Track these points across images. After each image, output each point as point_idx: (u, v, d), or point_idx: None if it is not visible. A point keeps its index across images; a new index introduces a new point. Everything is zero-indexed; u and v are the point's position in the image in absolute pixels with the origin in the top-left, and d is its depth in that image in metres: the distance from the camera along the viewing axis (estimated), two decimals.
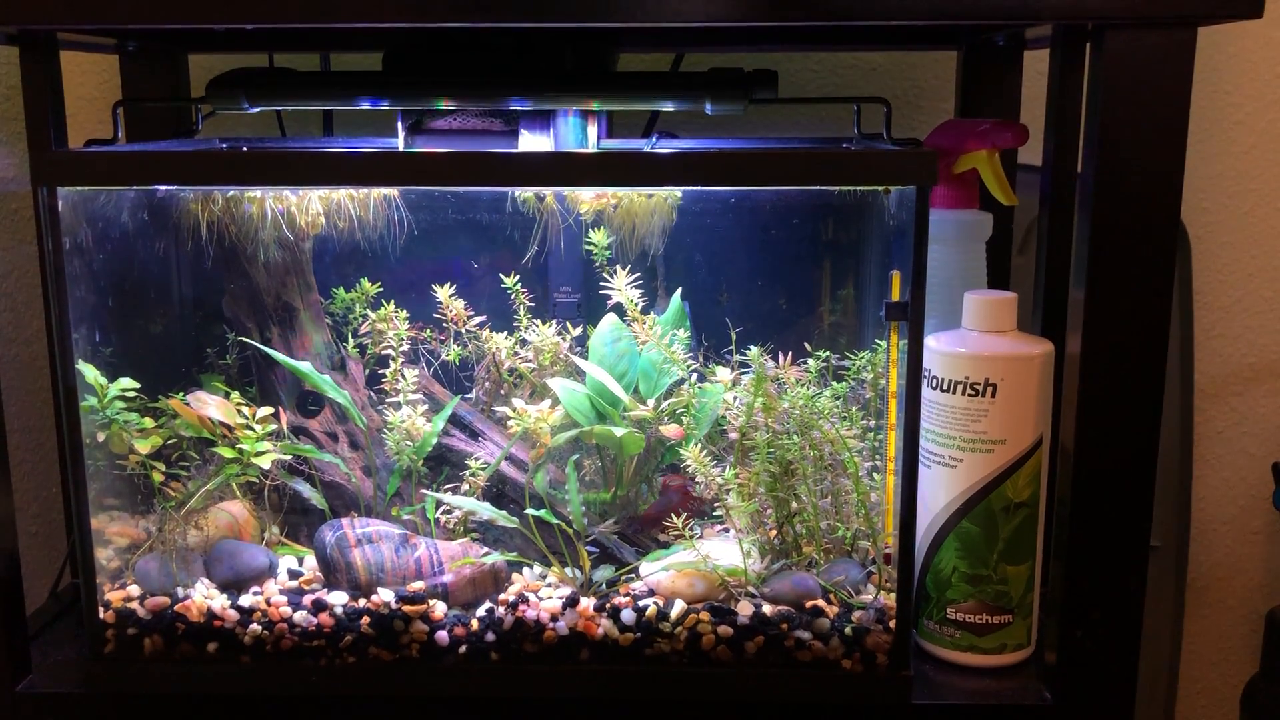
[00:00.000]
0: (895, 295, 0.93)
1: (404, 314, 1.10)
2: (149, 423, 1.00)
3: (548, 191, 1.04)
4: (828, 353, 1.04)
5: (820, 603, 0.98)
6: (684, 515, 0.98)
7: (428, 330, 1.13)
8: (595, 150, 1.01)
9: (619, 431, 0.99)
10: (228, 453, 1.00)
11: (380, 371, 1.10)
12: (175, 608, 0.98)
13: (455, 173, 0.90)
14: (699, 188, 1.01)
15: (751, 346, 0.98)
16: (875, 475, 1.01)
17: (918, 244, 0.88)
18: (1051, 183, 1.11)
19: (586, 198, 1.04)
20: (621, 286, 1.04)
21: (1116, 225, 0.87)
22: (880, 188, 0.91)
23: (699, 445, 0.99)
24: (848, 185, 0.91)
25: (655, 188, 1.00)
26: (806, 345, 1.03)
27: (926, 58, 1.40)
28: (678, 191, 1.03)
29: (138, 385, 0.98)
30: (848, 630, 0.96)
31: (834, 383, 1.02)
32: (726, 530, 1.07)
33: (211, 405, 0.99)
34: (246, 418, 1.01)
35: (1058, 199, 1.11)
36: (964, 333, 1.00)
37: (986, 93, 1.25)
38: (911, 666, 0.97)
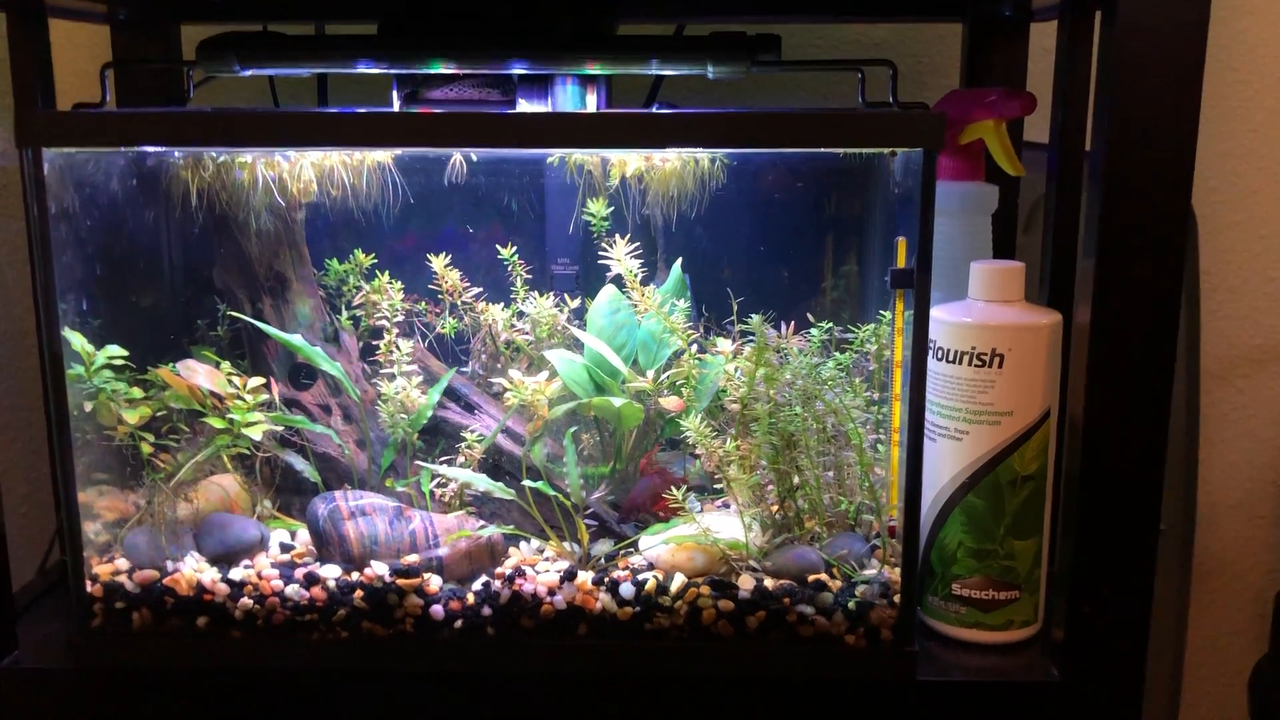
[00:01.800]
0: (900, 262, 0.91)
1: (399, 285, 1.08)
2: (138, 393, 0.98)
3: (587, 154, 1.01)
4: (830, 324, 1.02)
5: (823, 577, 0.96)
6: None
7: (423, 303, 1.11)
8: (595, 111, 0.99)
9: (617, 402, 0.97)
10: (218, 423, 0.98)
11: (374, 343, 1.07)
12: (164, 581, 0.96)
13: (452, 134, 0.88)
14: (716, 150, 0.99)
15: (753, 315, 0.96)
16: (880, 448, 0.99)
17: (924, 209, 0.86)
18: (1059, 156, 1.09)
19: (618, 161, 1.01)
20: (621, 256, 1.02)
21: (1128, 194, 0.85)
22: (886, 150, 0.89)
23: (699, 416, 0.97)
24: (853, 147, 0.89)
25: (657, 150, 0.98)
26: (810, 317, 1.01)
27: (931, 31, 1.38)
28: (705, 155, 1.01)
29: (125, 353, 0.96)
30: (851, 605, 0.94)
31: (837, 353, 1.00)
32: (727, 505, 1.05)
33: (201, 374, 0.97)
34: (237, 388, 0.99)
35: (1065, 173, 1.09)
36: (970, 303, 0.98)
37: (992, 67, 1.23)
38: (917, 643, 0.95)
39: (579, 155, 1.03)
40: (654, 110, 1.01)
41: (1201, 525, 1.45)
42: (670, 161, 1.02)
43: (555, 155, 1.03)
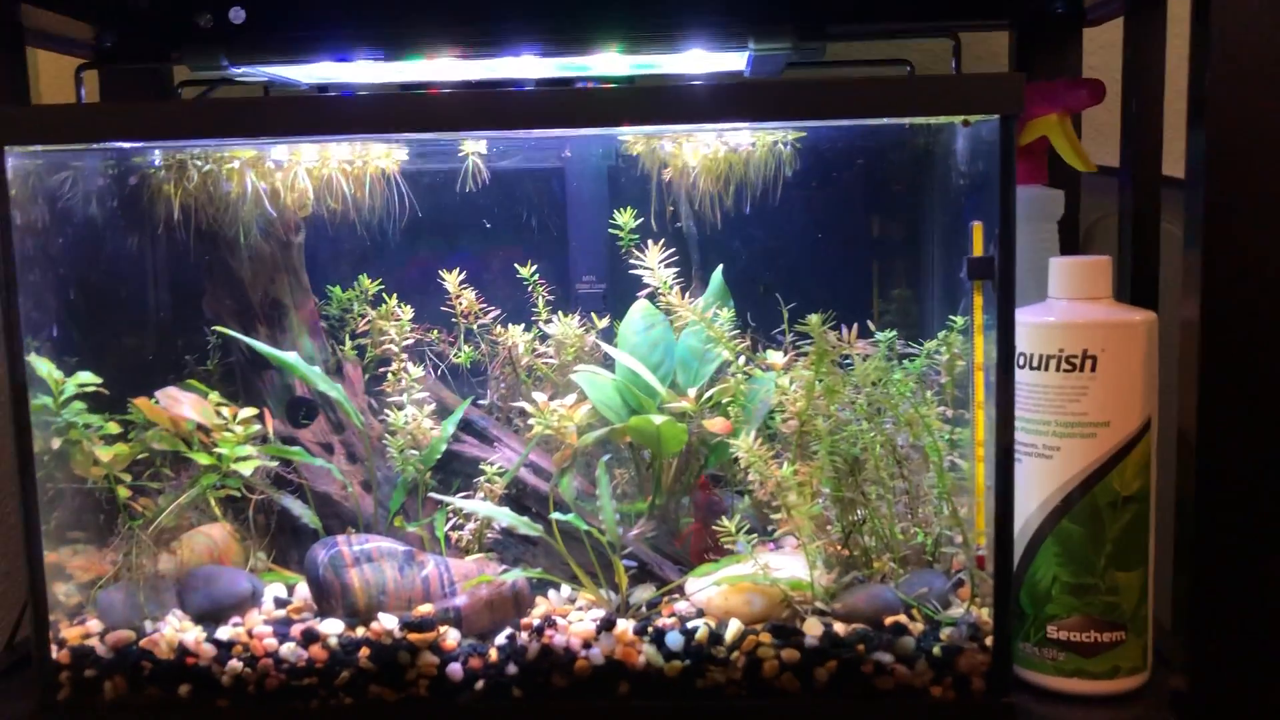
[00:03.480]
0: (978, 250, 0.80)
1: (408, 308, 0.97)
2: (114, 427, 0.86)
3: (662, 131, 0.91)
4: (894, 333, 0.90)
5: (902, 619, 0.83)
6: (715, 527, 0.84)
7: (434, 331, 1.00)
8: (638, 86, 0.89)
9: (658, 420, 0.85)
10: (204, 459, 0.86)
11: (381, 370, 0.96)
12: (141, 643, 0.84)
13: (466, 117, 0.77)
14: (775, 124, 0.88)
15: (810, 316, 0.84)
16: (962, 464, 0.87)
17: (1004, 183, 0.76)
18: (1132, 155, 0.99)
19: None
20: (655, 264, 0.91)
21: (1234, 179, 0.75)
22: (959, 119, 0.79)
23: (750, 434, 0.85)
24: (923, 117, 0.79)
25: (713, 124, 0.87)
26: (870, 325, 0.90)
27: (976, 40, 1.29)
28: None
29: (99, 380, 0.85)
30: (936, 650, 0.81)
31: (905, 362, 0.89)
32: (782, 549, 0.92)
33: (186, 404, 0.86)
34: (226, 419, 0.88)
35: (1140, 177, 0.99)
36: (1052, 302, 0.87)
37: (1044, 74, 1.13)
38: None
39: (634, 139, 0.92)
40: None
41: None
42: (712, 148, 0.91)
43: (628, 133, 0.92)
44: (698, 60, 0.91)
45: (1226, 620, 0.80)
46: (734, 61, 0.94)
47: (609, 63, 0.92)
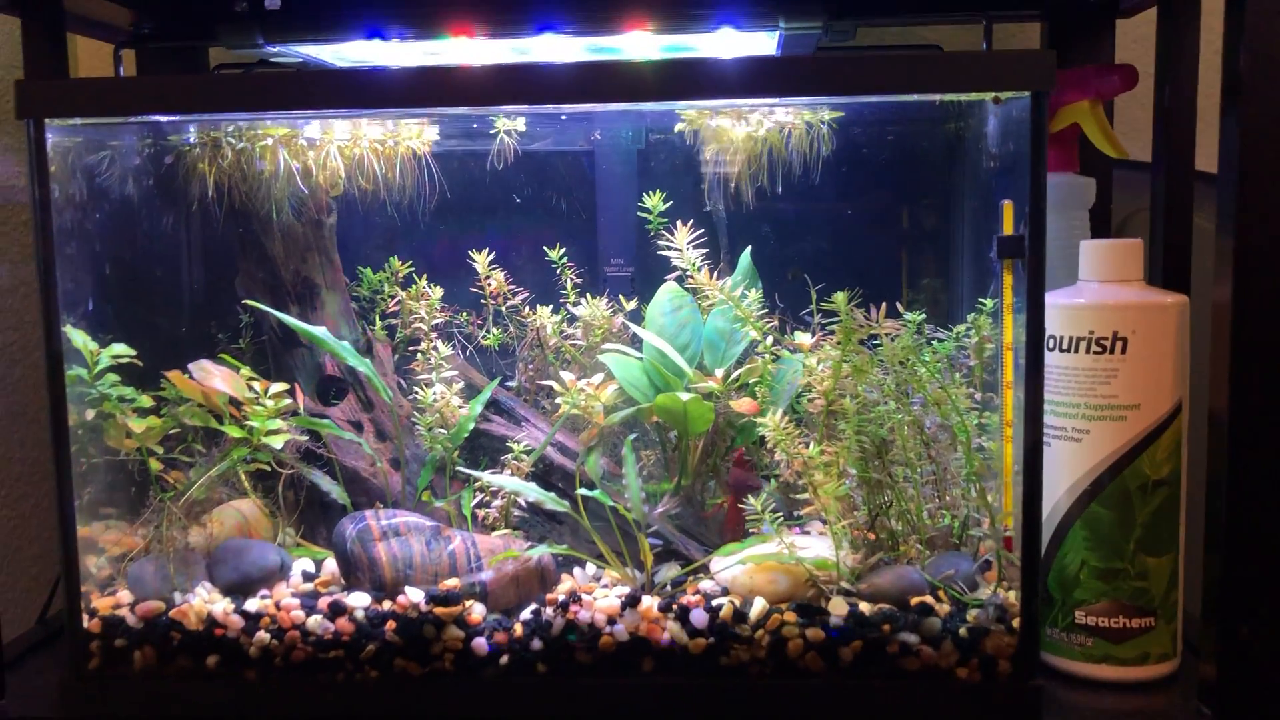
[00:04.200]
0: (1007, 228, 0.80)
1: (438, 289, 0.98)
2: (146, 400, 0.87)
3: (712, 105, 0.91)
4: (922, 314, 0.90)
5: (928, 599, 0.82)
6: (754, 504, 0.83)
7: (464, 314, 1.01)
8: (668, 60, 0.88)
9: (684, 397, 0.85)
10: (235, 432, 0.87)
11: (410, 350, 0.97)
12: (170, 614, 0.85)
13: (497, 91, 0.78)
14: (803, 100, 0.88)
15: (836, 294, 0.84)
16: (991, 445, 0.86)
17: (1034, 161, 0.76)
18: (1165, 145, 0.98)
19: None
20: (684, 245, 0.92)
21: (1268, 165, 0.74)
22: (990, 96, 0.78)
23: (777, 412, 0.84)
24: (955, 93, 0.79)
25: (745, 99, 0.87)
26: (899, 306, 0.90)
27: (1007, 34, 1.29)
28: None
29: (133, 352, 0.86)
30: (962, 631, 0.81)
31: (934, 342, 0.88)
32: (806, 532, 0.92)
33: (217, 376, 0.86)
34: (258, 393, 0.88)
35: (1174, 165, 0.98)
36: (1083, 285, 0.87)
37: (1076, 66, 1.13)
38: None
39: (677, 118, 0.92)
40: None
41: None
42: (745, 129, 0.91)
43: (659, 108, 0.92)
44: (728, 41, 0.91)
45: (1258, 608, 0.78)
46: (765, 44, 0.94)
47: (639, 44, 0.92)
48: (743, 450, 0.90)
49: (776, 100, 0.86)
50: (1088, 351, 0.84)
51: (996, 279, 0.83)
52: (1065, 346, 0.84)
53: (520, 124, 0.93)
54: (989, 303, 0.88)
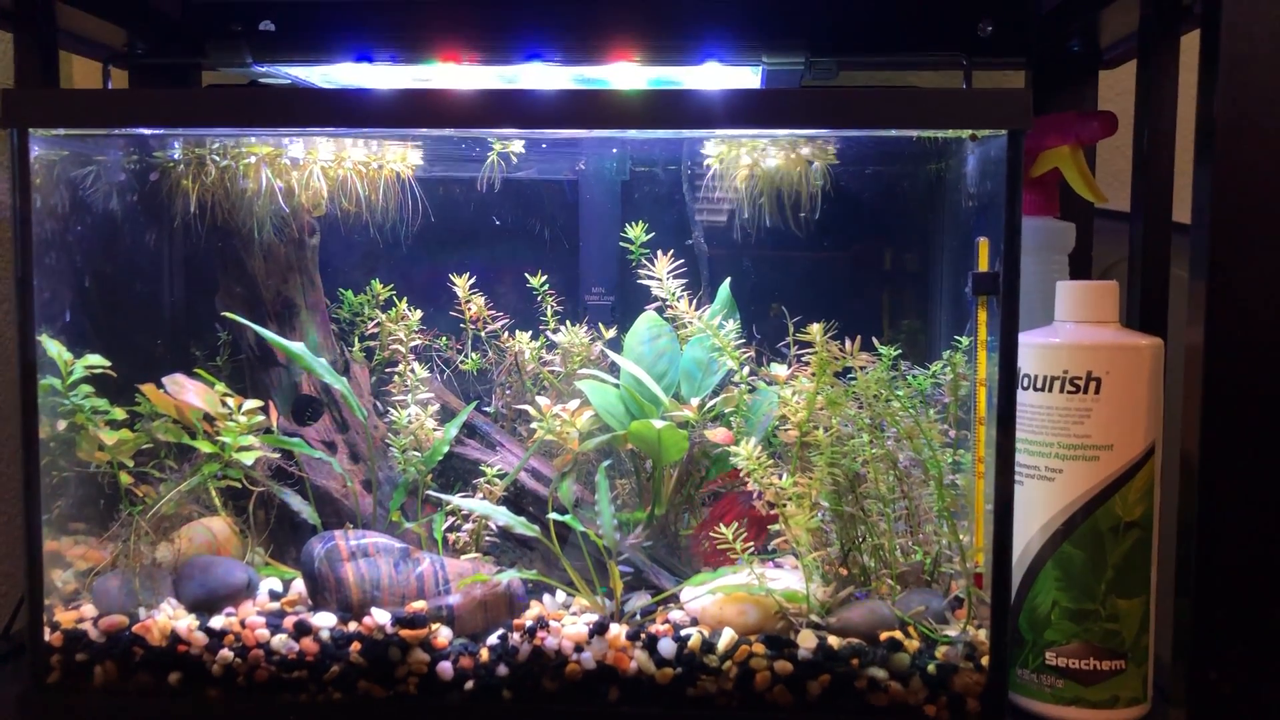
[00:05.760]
0: (983, 265, 0.80)
1: (416, 311, 0.98)
2: (119, 413, 0.87)
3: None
4: (898, 349, 0.90)
5: (898, 635, 0.82)
6: (736, 531, 0.83)
7: (444, 338, 1.01)
8: (651, 88, 0.89)
9: (659, 424, 0.85)
10: (206, 447, 0.87)
11: (389, 373, 0.97)
12: (134, 629, 0.84)
13: (483, 114, 0.78)
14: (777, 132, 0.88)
15: (812, 325, 0.84)
16: (961, 482, 0.86)
17: (1010, 198, 0.76)
18: (1144, 192, 0.99)
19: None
20: (663, 274, 0.92)
21: (1241, 210, 0.75)
22: (967, 133, 0.79)
23: (751, 442, 0.84)
24: (930, 130, 0.80)
25: (726, 131, 0.87)
26: (875, 340, 0.90)
27: (991, 82, 1.30)
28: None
29: (107, 363, 0.86)
30: (931, 668, 0.80)
31: (909, 376, 0.89)
32: (778, 565, 0.92)
33: (191, 390, 0.86)
34: (230, 409, 0.88)
35: (1152, 212, 0.99)
36: (1059, 325, 0.87)
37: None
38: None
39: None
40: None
41: None
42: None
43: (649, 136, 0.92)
44: (713, 75, 0.92)
45: (1228, 652, 0.78)
46: (749, 79, 0.95)
47: (625, 75, 0.93)
48: (720, 480, 0.90)
49: (757, 132, 0.87)
50: (1062, 391, 0.84)
51: (972, 316, 0.84)
52: (1040, 385, 0.85)
53: (518, 146, 0.93)
54: (964, 340, 0.88)
